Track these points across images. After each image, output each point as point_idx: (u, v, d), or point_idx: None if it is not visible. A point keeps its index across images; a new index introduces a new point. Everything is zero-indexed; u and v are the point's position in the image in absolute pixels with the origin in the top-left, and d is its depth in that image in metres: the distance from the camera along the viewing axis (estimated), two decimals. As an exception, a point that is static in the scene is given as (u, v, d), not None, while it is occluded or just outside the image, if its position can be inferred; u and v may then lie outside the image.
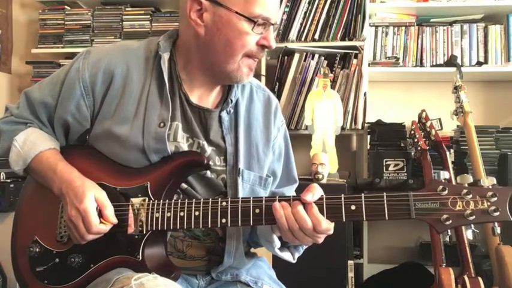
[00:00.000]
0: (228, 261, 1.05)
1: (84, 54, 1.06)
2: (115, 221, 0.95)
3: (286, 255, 1.02)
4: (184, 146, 1.03)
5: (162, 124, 1.00)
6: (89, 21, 2.65)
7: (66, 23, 2.66)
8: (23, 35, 2.93)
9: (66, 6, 2.69)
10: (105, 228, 0.93)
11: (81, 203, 0.92)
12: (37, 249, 1.00)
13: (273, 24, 0.99)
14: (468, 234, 0.96)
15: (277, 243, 0.99)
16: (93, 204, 0.92)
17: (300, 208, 0.88)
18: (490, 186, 0.84)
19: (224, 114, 1.07)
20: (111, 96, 1.02)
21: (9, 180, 2.26)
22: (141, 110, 1.01)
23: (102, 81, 1.02)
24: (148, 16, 2.63)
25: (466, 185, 0.86)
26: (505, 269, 1.81)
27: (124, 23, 2.64)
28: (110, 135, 1.01)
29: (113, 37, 2.64)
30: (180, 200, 0.96)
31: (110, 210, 0.94)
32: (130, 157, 1.00)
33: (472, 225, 0.86)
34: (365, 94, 2.37)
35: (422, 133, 2.18)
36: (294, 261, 1.04)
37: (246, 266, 1.11)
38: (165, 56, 1.03)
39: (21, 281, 1.02)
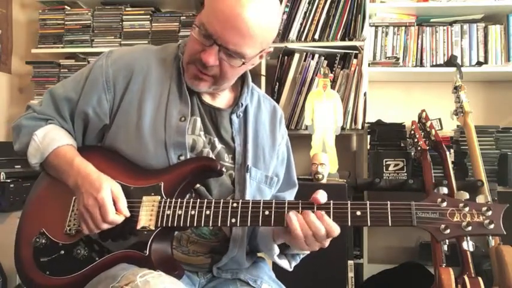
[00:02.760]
0: (233, 251, 1.07)
1: (107, 54, 1.13)
2: (128, 213, 0.97)
3: (284, 263, 1.07)
4: (201, 139, 1.08)
5: (183, 118, 1.06)
6: (89, 21, 2.65)
7: (66, 23, 2.66)
8: (23, 35, 2.93)
9: (66, 6, 2.69)
10: (119, 219, 0.96)
11: (98, 192, 0.94)
12: (43, 241, 1.02)
13: (218, 44, 0.98)
14: (465, 245, 0.98)
15: (276, 250, 1.04)
16: (110, 195, 0.95)
17: (313, 217, 0.91)
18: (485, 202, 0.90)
19: (234, 117, 1.13)
20: (132, 91, 1.07)
21: (9, 180, 2.26)
22: (163, 106, 1.07)
23: (123, 77, 1.08)
24: (148, 16, 2.63)
25: (463, 200, 0.90)
26: (505, 269, 1.81)
27: (124, 23, 2.64)
28: (131, 130, 1.05)
29: (113, 37, 2.64)
30: (192, 199, 0.98)
31: (123, 203, 0.97)
32: (150, 152, 1.03)
33: (469, 238, 0.89)
34: (365, 94, 2.37)
35: (422, 133, 2.18)
36: (291, 269, 1.08)
37: (246, 265, 1.13)
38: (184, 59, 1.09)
39: (21, 271, 1.03)
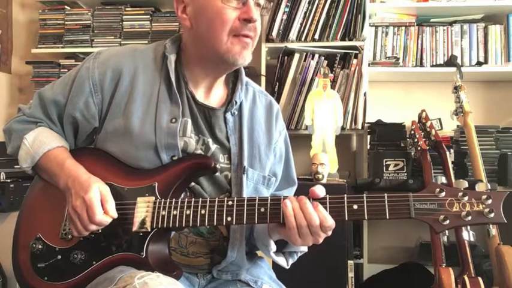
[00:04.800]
0: (231, 256, 1.06)
1: (94, 55, 1.10)
2: (115, 215, 0.96)
3: (281, 260, 1.06)
4: (192, 141, 1.06)
5: (173, 120, 1.04)
6: (89, 21, 2.65)
7: (66, 23, 2.66)
8: (23, 35, 2.93)
9: (66, 6, 2.69)
10: (107, 220, 0.95)
11: (86, 193, 0.94)
12: (39, 246, 1.01)
13: None
14: (465, 235, 0.97)
15: (273, 247, 1.02)
16: (98, 196, 0.94)
17: (309, 205, 0.90)
18: (485, 190, 0.87)
19: (229, 116, 1.10)
20: (120, 93, 1.05)
21: (9, 180, 2.27)
22: (152, 108, 1.04)
23: (111, 79, 1.05)
24: (148, 16, 2.63)
25: (462, 189, 0.88)
26: (505, 269, 1.81)
27: (124, 23, 2.64)
28: (121, 133, 1.03)
29: (113, 37, 2.64)
30: (186, 199, 0.97)
31: (111, 204, 0.96)
32: (141, 154, 1.02)
33: (469, 227, 0.87)
34: (365, 94, 2.37)
35: (422, 133, 2.18)
36: (288, 267, 1.07)
37: (246, 266, 1.12)
38: (172, 58, 1.08)
39: (20, 277, 1.03)
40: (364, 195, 0.90)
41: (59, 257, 1.00)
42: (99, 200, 0.94)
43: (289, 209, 0.91)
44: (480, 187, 0.87)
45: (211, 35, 1.00)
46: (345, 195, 0.91)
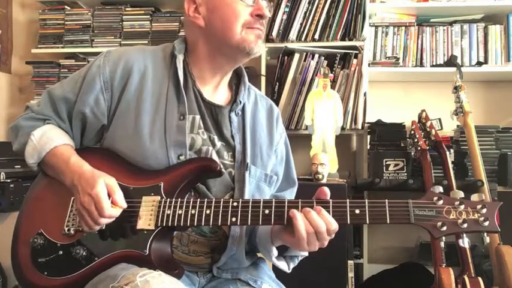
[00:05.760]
0: (231, 249, 1.07)
1: (105, 54, 1.13)
2: (124, 205, 0.97)
3: (282, 265, 1.07)
4: (199, 138, 1.08)
5: (182, 117, 1.06)
6: (89, 21, 2.65)
7: (66, 23, 2.66)
8: (23, 35, 2.93)
9: (66, 6, 2.69)
10: (116, 212, 0.96)
11: (93, 189, 0.95)
12: (41, 241, 1.02)
13: None
14: (460, 242, 0.99)
15: (275, 252, 1.05)
16: (104, 190, 0.95)
17: (313, 213, 0.92)
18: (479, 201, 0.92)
19: (233, 115, 1.13)
20: (129, 92, 1.07)
21: (9, 180, 2.27)
22: (162, 105, 1.07)
23: (121, 77, 1.08)
24: (148, 16, 2.63)
25: (459, 198, 0.92)
26: (505, 269, 1.81)
27: (124, 23, 2.64)
28: (131, 131, 1.05)
29: (113, 37, 2.64)
30: (192, 199, 0.99)
31: (119, 195, 0.97)
32: (149, 152, 1.04)
33: (464, 235, 0.92)
34: (365, 94, 2.37)
35: (422, 133, 2.18)
36: (289, 271, 1.09)
37: (245, 264, 1.13)
38: (180, 57, 1.11)
39: (19, 273, 1.03)
40: (366, 200, 0.93)
41: (61, 252, 1.00)
42: (106, 194, 0.95)
43: (299, 222, 0.91)
44: (475, 197, 0.91)
45: (225, 28, 1.05)
46: (347, 200, 0.93)
